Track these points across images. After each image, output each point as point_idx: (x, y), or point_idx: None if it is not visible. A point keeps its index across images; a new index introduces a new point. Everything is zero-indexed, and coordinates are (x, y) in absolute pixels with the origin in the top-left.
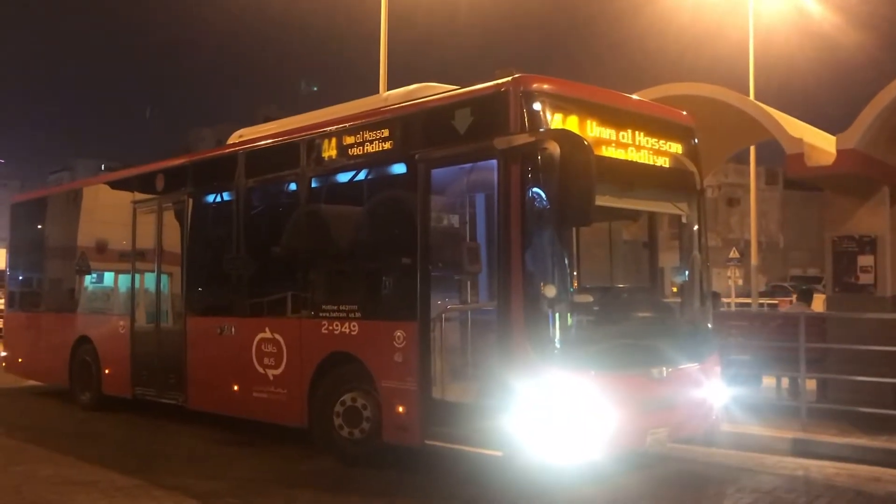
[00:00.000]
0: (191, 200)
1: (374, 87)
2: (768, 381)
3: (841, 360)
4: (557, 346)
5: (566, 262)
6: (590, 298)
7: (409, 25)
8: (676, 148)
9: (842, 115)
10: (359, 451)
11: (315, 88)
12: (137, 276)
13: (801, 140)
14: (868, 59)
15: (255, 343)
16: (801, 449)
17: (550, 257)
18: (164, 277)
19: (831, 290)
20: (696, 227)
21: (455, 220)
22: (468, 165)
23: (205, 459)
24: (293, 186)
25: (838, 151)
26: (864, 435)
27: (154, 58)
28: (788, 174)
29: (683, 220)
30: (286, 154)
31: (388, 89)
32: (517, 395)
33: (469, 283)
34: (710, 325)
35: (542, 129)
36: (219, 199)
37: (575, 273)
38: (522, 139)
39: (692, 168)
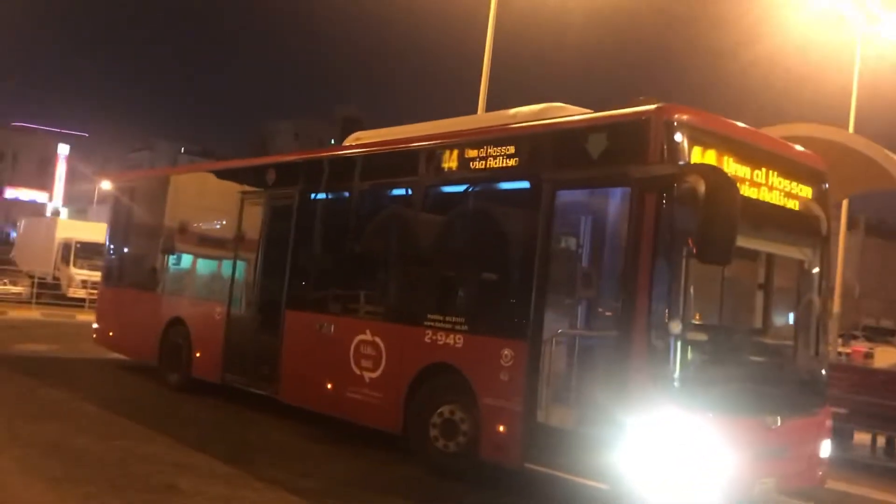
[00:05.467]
0: (301, 196)
1: (473, 100)
2: (860, 438)
3: None
4: (677, 383)
5: (694, 298)
6: (714, 337)
7: (513, 43)
8: (808, 191)
9: None
10: (452, 464)
11: None
12: (239, 265)
13: None
14: None
15: (353, 344)
16: None
17: (680, 292)
18: (265, 269)
19: None
20: (817, 272)
21: (576, 242)
22: (597, 190)
23: (298, 455)
24: (409, 193)
25: None
26: None
27: (235, 47)
28: None
29: (805, 265)
30: (406, 161)
31: (487, 106)
32: (630, 428)
33: (584, 307)
34: (824, 375)
35: (681, 162)
36: (331, 197)
37: (700, 311)
38: (663, 170)
39: (820, 213)
